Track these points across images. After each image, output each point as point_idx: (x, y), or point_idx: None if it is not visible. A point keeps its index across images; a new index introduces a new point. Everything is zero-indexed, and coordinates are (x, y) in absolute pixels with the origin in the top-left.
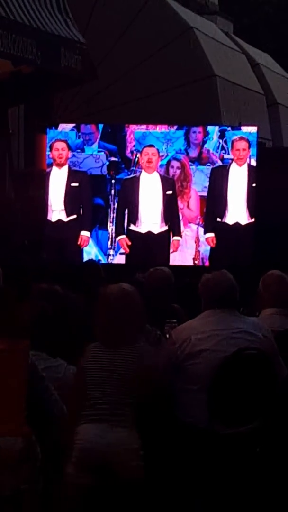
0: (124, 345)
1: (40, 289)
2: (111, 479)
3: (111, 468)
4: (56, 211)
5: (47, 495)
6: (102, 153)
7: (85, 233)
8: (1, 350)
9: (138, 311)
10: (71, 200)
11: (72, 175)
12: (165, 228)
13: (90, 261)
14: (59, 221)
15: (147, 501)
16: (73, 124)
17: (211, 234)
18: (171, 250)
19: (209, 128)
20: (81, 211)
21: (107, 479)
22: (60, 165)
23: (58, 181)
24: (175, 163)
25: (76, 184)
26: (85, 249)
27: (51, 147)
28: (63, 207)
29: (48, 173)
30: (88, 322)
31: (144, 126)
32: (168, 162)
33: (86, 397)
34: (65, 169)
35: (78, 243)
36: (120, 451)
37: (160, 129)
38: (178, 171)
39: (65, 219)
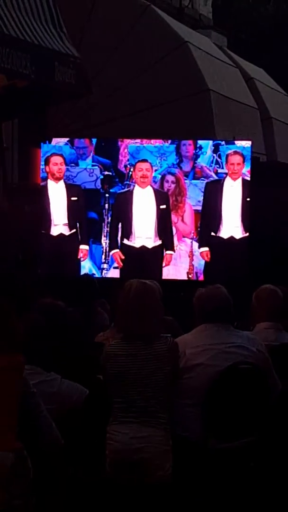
0: (150, 338)
1: (43, 304)
2: (142, 479)
3: (142, 468)
4: (59, 225)
5: (39, 510)
6: (96, 167)
7: (84, 247)
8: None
9: (159, 304)
10: (72, 214)
11: (70, 189)
12: (159, 242)
13: (85, 275)
14: (61, 235)
15: (174, 503)
16: (67, 139)
17: (206, 249)
18: (163, 264)
19: (203, 142)
20: (78, 225)
21: (139, 478)
22: (58, 179)
23: (58, 195)
24: (170, 177)
25: (75, 198)
26: (81, 263)
27: (47, 161)
28: (66, 221)
29: (46, 187)
30: (84, 336)
31: (138, 140)
32: (163, 176)
33: (116, 397)
34: (62, 183)
35: (79, 257)
36: (151, 451)
37: (154, 143)
38: (173, 186)
39: (67, 233)
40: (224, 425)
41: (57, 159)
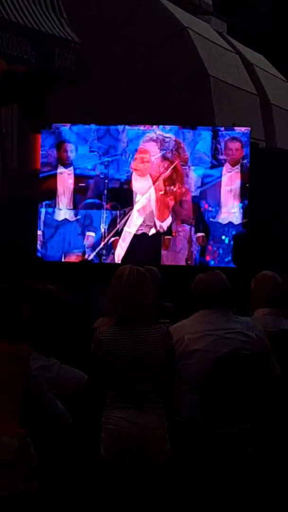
0: (143, 324)
1: (33, 289)
2: (140, 462)
3: (140, 453)
4: (63, 210)
5: (43, 496)
6: (95, 152)
7: (90, 233)
8: (3, 353)
9: (151, 289)
10: (79, 200)
11: (77, 175)
12: (157, 228)
13: (85, 261)
14: (65, 220)
15: (172, 487)
16: (68, 124)
17: (201, 234)
18: (162, 248)
19: (202, 129)
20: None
21: (137, 461)
22: (68, 166)
23: (67, 181)
24: (166, 163)
25: (83, 184)
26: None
27: (59, 148)
28: (71, 207)
29: (57, 173)
30: (83, 321)
31: (137, 126)
32: (161, 161)
33: (111, 383)
34: (71, 169)
35: (84, 242)
36: (149, 436)
37: (153, 129)
38: (170, 171)
39: (72, 219)
40: (223, 411)
41: (68, 147)
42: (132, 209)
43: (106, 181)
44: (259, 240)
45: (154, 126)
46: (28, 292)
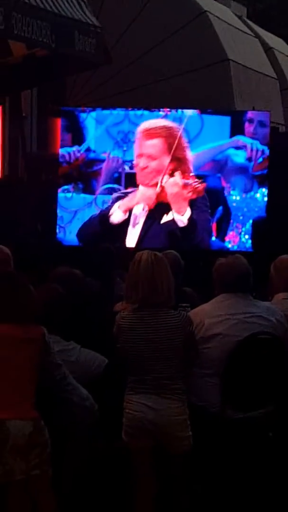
0: (162, 309)
1: (59, 273)
2: (160, 448)
3: (159, 438)
4: (81, 195)
5: (57, 481)
6: (114, 138)
7: None
8: (14, 336)
9: (169, 275)
10: (95, 185)
11: (91, 159)
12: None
13: (104, 245)
14: (84, 205)
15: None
16: (87, 109)
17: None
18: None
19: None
20: None
21: (157, 447)
22: (82, 150)
23: (83, 166)
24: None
25: (98, 168)
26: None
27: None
28: (89, 192)
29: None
30: (103, 305)
31: (156, 111)
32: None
33: (131, 368)
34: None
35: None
36: (167, 422)
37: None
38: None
39: (91, 204)
40: (243, 395)
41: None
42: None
43: (124, 166)
44: (279, 225)
45: (173, 111)
46: (51, 276)
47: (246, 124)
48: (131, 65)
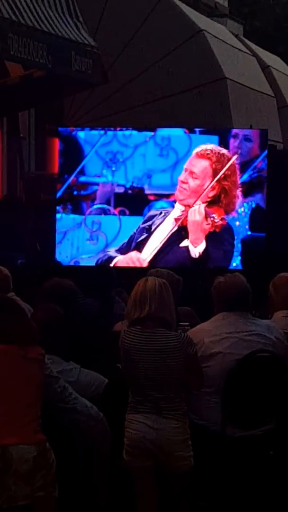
0: (163, 330)
1: (50, 284)
2: (161, 468)
3: (160, 458)
4: (71, 215)
5: (64, 502)
6: (102, 158)
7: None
8: (15, 358)
9: (171, 300)
10: (85, 206)
11: (82, 183)
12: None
13: (102, 264)
14: (73, 225)
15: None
16: (75, 129)
17: None
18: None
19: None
20: None
21: (158, 467)
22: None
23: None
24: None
25: (89, 192)
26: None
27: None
28: (78, 212)
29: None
30: (102, 325)
31: (144, 131)
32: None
33: (131, 388)
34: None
35: None
36: (167, 442)
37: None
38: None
39: (81, 224)
40: (243, 414)
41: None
42: (169, 213)
43: (112, 186)
44: (276, 243)
45: (160, 134)
46: (40, 289)
47: (231, 140)
48: (128, 84)
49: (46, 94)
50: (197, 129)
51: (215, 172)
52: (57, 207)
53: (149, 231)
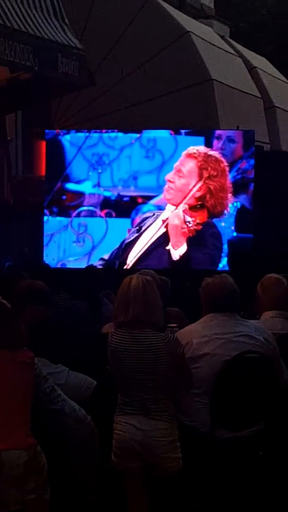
0: (151, 331)
1: (22, 286)
2: (149, 469)
3: (148, 459)
4: (57, 218)
5: (56, 504)
6: (88, 161)
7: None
8: (4, 362)
9: (158, 299)
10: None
11: (69, 191)
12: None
13: (90, 266)
14: (60, 228)
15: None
16: (61, 131)
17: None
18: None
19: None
20: None
21: (146, 468)
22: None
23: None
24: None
25: (75, 202)
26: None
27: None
28: (65, 215)
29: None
30: (91, 327)
31: (129, 133)
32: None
33: (119, 389)
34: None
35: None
36: (155, 443)
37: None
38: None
39: (67, 227)
40: (232, 415)
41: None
42: (158, 215)
43: (100, 197)
44: (263, 244)
45: (146, 135)
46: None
47: (215, 141)
48: (115, 86)
49: (32, 96)
50: (182, 131)
51: (201, 172)
52: (44, 210)
53: (139, 232)
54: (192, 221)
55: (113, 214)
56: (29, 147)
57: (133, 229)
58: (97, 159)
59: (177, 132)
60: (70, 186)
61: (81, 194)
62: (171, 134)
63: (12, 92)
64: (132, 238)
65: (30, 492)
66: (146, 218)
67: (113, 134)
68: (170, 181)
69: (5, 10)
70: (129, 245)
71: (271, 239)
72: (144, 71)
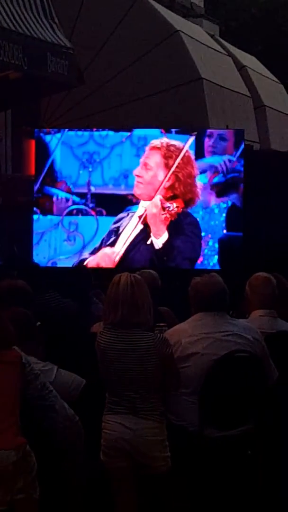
0: (139, 331)
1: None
2: (138, 469)
3: (136, 459)
4: (47, 216)
5: (46, 501)
6: (79, 159)
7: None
8: None
9: (148, 296)
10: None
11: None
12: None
13: (80, 266)
14: (50, 226)
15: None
16: (52, 130)
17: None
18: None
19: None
20: None
21: (135, 467)
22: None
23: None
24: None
25: (67, 204)
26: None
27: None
28: (55, 213)
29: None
30: (81, 326)
31: (120, 131)
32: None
33: (108, 388)
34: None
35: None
36: (144, 442)
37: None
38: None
39: (57, 225)
40: (221, 414)
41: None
42: (133, 214)
43: (89, 187)
44: (252, 243)
45: (136, 134)
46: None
47: (206, 139)
48: (105, 85)
49: (22, 95)
50: (173, 129)
51: (167, 162)
52: (34, 208)
53: (117, 233)
54: (172, 206)
55: (104, 212)
56: (18, 146)
57: (110, 230)
58: (88, 158)
59: (168, 131)
60: (60, 184)
61: (71, 193)
62: (161, 132)
63: (1, 91)
64: (111, 239)
65: (19, 491)
66: (121, 218)
67: (104, 133)
68: (138, 176)
69: None
70: (110, 246)
71: (260, 238)
72: (134, 70)
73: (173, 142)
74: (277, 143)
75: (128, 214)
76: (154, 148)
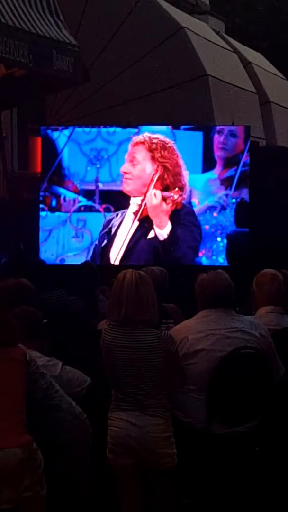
0: (145, 328)
1: (6, 285)
2: (144, 465)
3: (143, 455)
4: (56, 213)
5: (53, 498)
6: (87, 156)
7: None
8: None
9: (153, 293)
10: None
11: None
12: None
13: (86, 263)
14: (59, 223)
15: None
16: (59, 127)
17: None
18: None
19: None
20: None
21: (141, 464)
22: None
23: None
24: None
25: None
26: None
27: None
28: (63, 210)
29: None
30: (87, 323)
31: (128, 128)
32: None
33: (114, 385)
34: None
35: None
36: (151, 439)
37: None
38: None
39: (65, 222)
40: (228, 410)
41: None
42: (126, 211)
43: (97, 183)
44: (260, 239)
45: (144, 131)
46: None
47: (216, 136)
48: (110, 82)
49: (28, 93)
50: (181, 126)
51: (153, 155)
52: (41, 205)
53: (109, 235)
54: (172, 194)
55: (112, 209)
56: (24, 143)
57: (101, 235)
58: (96, 154)
59: (176, 127)
60: (67, 184)
61: (79, 190)
62: (170, 129)
63: (7, 89)
64: (105, 243)
65: (26, 489)
66: (111, 220)
67: (111, 129)
68: (126, 172)
69: None
70: (106, 248)
71: (265, 234)
72: (139, 67)
73: (155, 135)
74: (284, 139)
75: (117, 214)
76: (138, 143)
